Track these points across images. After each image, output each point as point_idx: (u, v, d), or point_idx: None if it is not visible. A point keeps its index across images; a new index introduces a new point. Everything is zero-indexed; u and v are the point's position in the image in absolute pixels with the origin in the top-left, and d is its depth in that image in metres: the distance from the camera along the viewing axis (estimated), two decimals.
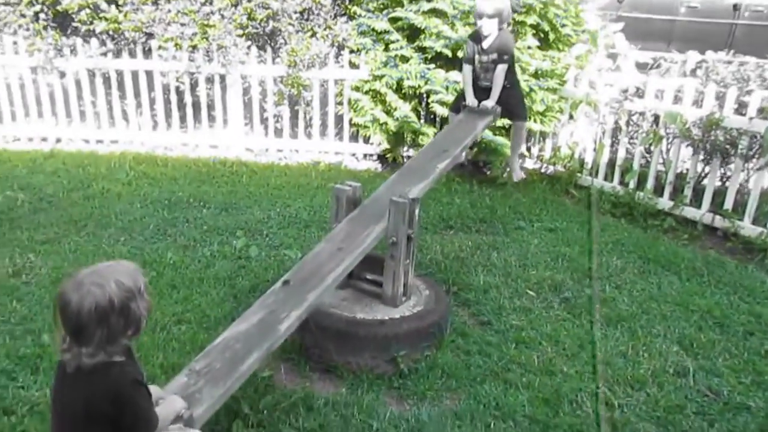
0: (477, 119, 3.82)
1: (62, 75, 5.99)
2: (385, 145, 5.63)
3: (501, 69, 3.76)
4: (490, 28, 3.72)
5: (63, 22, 5.91)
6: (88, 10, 5.54)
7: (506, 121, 4.72)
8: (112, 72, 5.92)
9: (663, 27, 8.44)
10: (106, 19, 5.55)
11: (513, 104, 3.95)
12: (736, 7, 8.41)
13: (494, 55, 3.78)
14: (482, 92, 3.87)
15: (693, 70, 4.91)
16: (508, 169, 5.40)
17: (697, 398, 2.60)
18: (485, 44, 3.80)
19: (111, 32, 5.68)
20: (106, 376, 1.62)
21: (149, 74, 5.92)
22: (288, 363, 2.80)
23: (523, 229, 4.45)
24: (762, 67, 4.79)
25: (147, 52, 5.84)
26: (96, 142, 6.19)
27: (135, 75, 5.94)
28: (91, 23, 5.62)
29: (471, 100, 3.88)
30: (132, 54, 5.86)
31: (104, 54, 5.81)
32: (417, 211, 2.88)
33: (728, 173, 4.62)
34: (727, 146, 4.31)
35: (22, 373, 2.63)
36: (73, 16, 5.65)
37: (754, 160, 4.32)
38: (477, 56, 3.87)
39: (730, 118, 4.28)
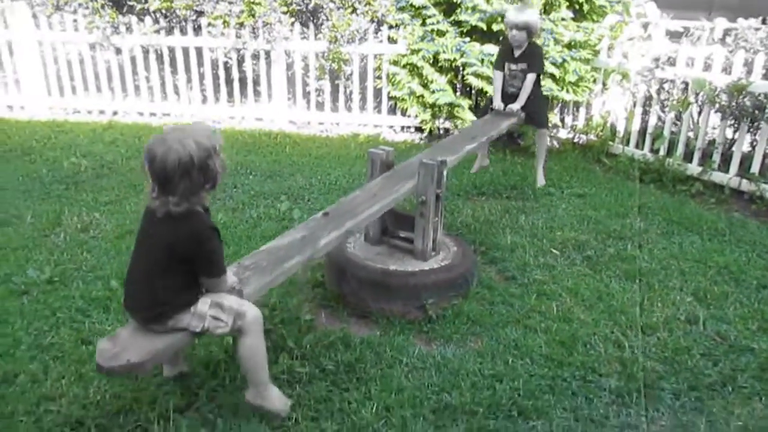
0: (502, 119, 4.14)
1: (118, 51, 6.39)
2: (423, 117, 5.84)
3: (530, 78, 4.05)
4: (520, 39, 4.02)
5: (118, 1, 6.29)
6: None
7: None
8: (164, 48, 6.30)
9: None
10: None
11: (536, 112, 4.22)
12: None
13: (524, 65, 4.07)
14: (509, 98, 4.16)
15: (722, 38, 4.95)
16: None
17: (705, 342, 2.79)
18: (516, 53, 4.08)
19: (164, 10, 6.03)
20: (190, 221, 1.97)
21: (199, 51, 6.27)
22: (327, 309, 3.10)
23: (552, 195, 4.64)
24: None
25: (197, 30, 6.18)
26: (150, 115, 6.61)
27: (186, 51, 6.30)
28: (146, 2, 5.98)
29: (498, 103, 4.18)
30: (183, 31, 6.22)
31: (157, 31, 6.18)
32: (445, 173, 3.12)
33: (756, 138, 4.68)
34: (755, 111, 4.39)
35: (95, 312, 2.99)
36: None
37: None
38: (507, 64, 4.14)
39: (757, 83, 4.35)
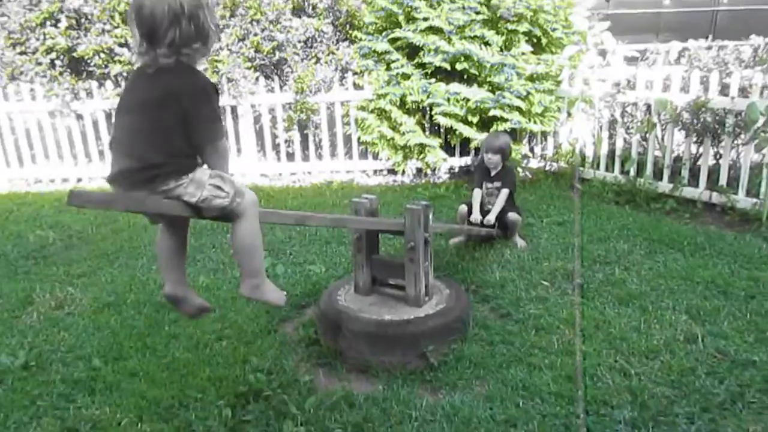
0: (479, 228, 4.34)
1: (79, 117, 6.30)
2: (394, 159, 5.87)
3: (504, 193, 4.34)
4: (495, 161, 4.37)
5: (77, 67, 6.22)
6: (102, 55, 5.84)
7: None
8: None
9: (650, 20, 8.69)
10: (120, 62, 5.86)
11: (509, 218, 4.36)
12: None
13: (498, 183, 4.39)
14: (486, 214, 4.35)
15: (677, 59, 5.14)
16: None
17: (707, 360, 2.79)
18: (492, 173, 4.42)
19: (125, 74, 5.99)
20: (187, 73, 1.83)
21: None
22: (325, 367, 3.01)
23: (533, 225, 4.67)
24: (738, 50, 5.03)
25: None
26: None
27: None
28: (106, 67, 5.92)
29: (476, 216, 4.35)
30: None
31: (119, 94, 6.11)
32: (430, 216, 3.11)
33: (720, 151, 4.82)
34: (716, 126, 4.55)
35: (79, 396, 2.83)
36: (89, 60, 5.96)
37: (741, 136, 4.52)
38: (484, 183, 4.45)
39: (715, 99, 4.52)
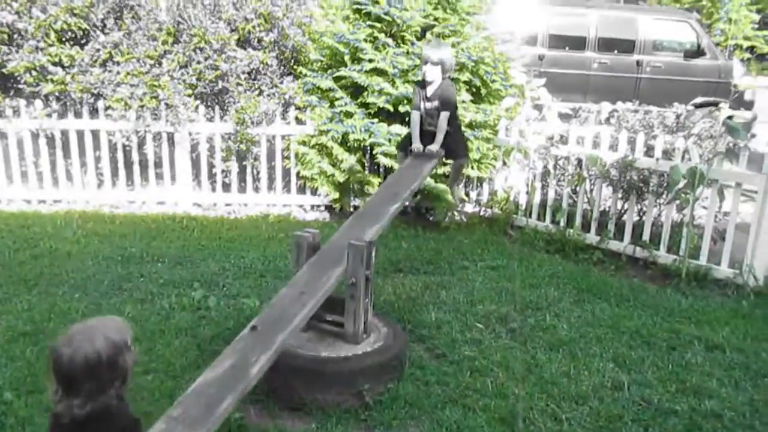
0: (423, 163, 4.12)
1: (3, 136, 5.97)
2: (333, 196, 5.87)
3: (444, 116, 4.07)
4: (433, 75, 4.04)
5: (5, 84, 5.93)
6: (34, 72, 5.60)
7: (447, 168, 5.09)
8: (57, 132, 5.96)
9: (579, 81, 9.22)
10: (53, 81, 5.63)
11: (454, 147, 4.28)
12: (638, 63, 9.35)
13: (436, 103, 4.10)
14: (427, 136, 4.15)
15: (607, 119, 5.47)
16: (449, 214, 5.76)
17: (633, 407, 2.90)
18: (429, 91, 4.12)
19: (57, 93, 5.75)
20: (108, 419, 1.74)
21: (95, 134, 6.00)
22: (257, 405, 2.91)
23: (467, 268, 4.75)
24: (663, 115, 5.42)
25: (93, 112, 5.93)
26: (38, 202, 6.15)
27: (80, 135, 6.00)
28: (38, 85, 5.68)
29: (417, 144, 4.16)
30: (78, 114, 5.94)
31: (49, 115, 5.86)
32: (373, 253, 3.12)
33: (644, 209, 5.11)
34: (641, 184, 4.83)
35: None
36: (19, 78, 5.70)
37: (664, 195, 4.82)
38: (422, 102, 4.17)
39: (641, 159, 4.81)
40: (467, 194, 6.20)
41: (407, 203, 4.84)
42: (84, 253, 4.79)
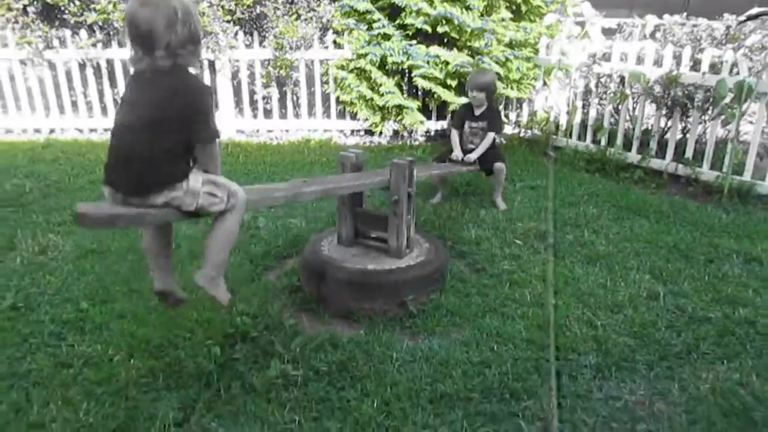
0: (459, 166, 4.38)
1: (52, 67, 6.16)
2: (373, 120, 5.93)
3: (490, 136, 4.34)
4: (480, 99, 4.32)
5: (51, 14, 6.06)
6: (78, 2, 5.70)
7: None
8: (102, 61, 6.12)
9: None
10: (96, 10, 5.73)
11: (493, 158, 4.41)
12: None
13: (483, 123, 4.35)
14: (467, 154, 4.38)
15: (652, 33, 5.30)
16: None
17: (667, 315, 3.01)
18: (476, 112, 4.38)
19: (100, 22, 5.86)
20: (184, 76, 1.95)
21: None
22: (308, 313, 3.13)
23: (507, 188, 4.82)
24: (711, 27, 5.21)
25: None
26: (89, 131, 6.40)
27: (125, 64, 6.14)
28: (81, 15, 5.79)
29: (458, 152, 4.40)
30: (121, 44, 6.06)
31: (94, 44, 5.99)
32: (415, 172, 3.22)
33: (688, 126, 5.04)
34: (686, 100, 4.74)
35: (70, 335, 2.90)
36: (63, 8, 5.81)
37: (709, 111, 4.73)
38: (467, 122, 4.41)
39: (687, 74, 4.70)
40: (507, 116, 6.17)
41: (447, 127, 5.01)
42: None
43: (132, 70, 1.99)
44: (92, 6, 5.73)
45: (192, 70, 2.05)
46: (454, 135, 4.48)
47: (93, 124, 6.40)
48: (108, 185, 2.02)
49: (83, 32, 5.96)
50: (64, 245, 3.82)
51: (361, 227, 3.43)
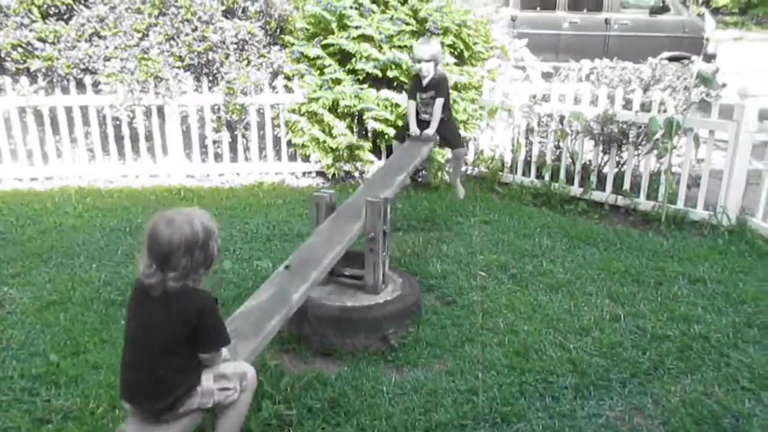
0: (420, 146, 4.43)
1: None
2: (326, 162, 6.03)
3: (439, 102, 4.41)
4: (428, 69, 4.37)
5: None
6: (20, 49, 5.58)
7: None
8: (45, 109, 5.96)
9: (550, 40, 9.46)
10: (40, 57, 5.62)
11: (450, 134, 4.60)
12: (607, 21, 9.64)
13: (432, 92, 4.42)
14: (423, 124, 4.50)
15: (587, 76, 5.74)
16: (440, 173, 6.00)
17: (631, 336, 3.23)
18: (424, 83, 4.43)
19: (43, 70, 5.74)
20: (193, 296, 1.98)
21: (83, 109, 6.01)
22: (290, 353, 3.15)
23: (462, 223, 5.02)
24: (638, 70, 5.70)
25: (80, 87, 5.94)
26: (30, 180, 6.16)
27: (69, 110, 6.01)
28: (24, 62, 5.65)
29: (414, 129, 4.49)
30: (65, 90, 5.94)
31: (36, 92, 5.84)
32: (389, 209, 3.34)
33: (623, 160, 5.44)
34: (620, 136, 5.14)
35: (43, 389, 2.80)
36: (4, 56, 5.66)
37: (642, 146, 5.15)
38: (418, 93, 4.50)
39: (621, 113, 5.11)
40: None
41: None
42: (90, 226, 4.90)
43: (139, 282, 2.01)
44: (36, 53, 5.61)
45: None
46: (411, 106, 4.52)
47: (34, 172, 6.18)
48: (128, 402, 2.06)
49: (24, 79, 5.80)
50: (22, 297, 3.68)
51: (336, 265, 3.49)
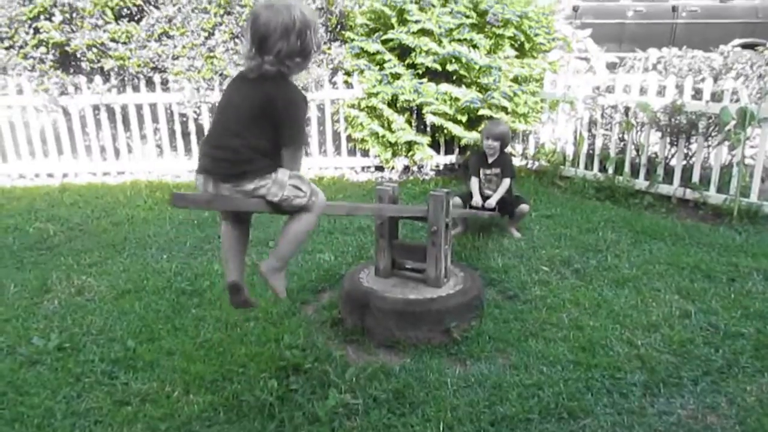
0: (482, 212, 4.56)
1: (65, 112, 6.26)
2: (384, 156, 6.08)
3: (506, 182, 4.56)
4: (494, 148, 4.54)
5: (66, 61, 6.19)
6: (95, 49, 5.85)
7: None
8: (117, 106, 6.24)
9: (614, 30, 9.21)
10: (113, 57, 5.88)
11: (511, 203, 4.63)
12: (674, 8, 9.29)
13: (498, 170, 4.58)
14: (485, 199, 4.56)
15: (654, 65, 5.56)
16: None
17: (702, 333, 3.12)
18: (489, 160, 4.59)
19: (116, 69, 6.00)
20: (285, 84, 2.06)
21: (152, 106, 6.26)
22: (353, 344, 3.19)
23: (523, 218, 4.96)
24: (709, 58, 5.49)
25: (149, 84, 6.18)
26: (103, 174, 6.47)
27: (139, 108, 6.26)
28: (99, 62, 5.93)
29: (477, 198, 4.57)
30: (135, 89, 6.20)
31: (109, 90, 6.12)
32: (452, 203, 3.35)
33: (692, 152, 5.25)
34: (689, 128, 4.96)
35: (122, 373, 2.94)
36: (80, 56, 5.95)
37: (712, 137, 4.95)
38: (482, 169, 4.61)
39: (690, 103, 4.93)
40: (514, 148, 6.36)
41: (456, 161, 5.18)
42: (160, 219, 5.10)
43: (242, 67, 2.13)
44: (110, 53, 5.87)
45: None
46: (474, 182, 4.66)
47: (106, 167, 6.48)
48: (202, 173, 2.15)
49: (98, 78, 6.09)
50: (99, 286, 3.87)
51: (398, 259, 3.53)
